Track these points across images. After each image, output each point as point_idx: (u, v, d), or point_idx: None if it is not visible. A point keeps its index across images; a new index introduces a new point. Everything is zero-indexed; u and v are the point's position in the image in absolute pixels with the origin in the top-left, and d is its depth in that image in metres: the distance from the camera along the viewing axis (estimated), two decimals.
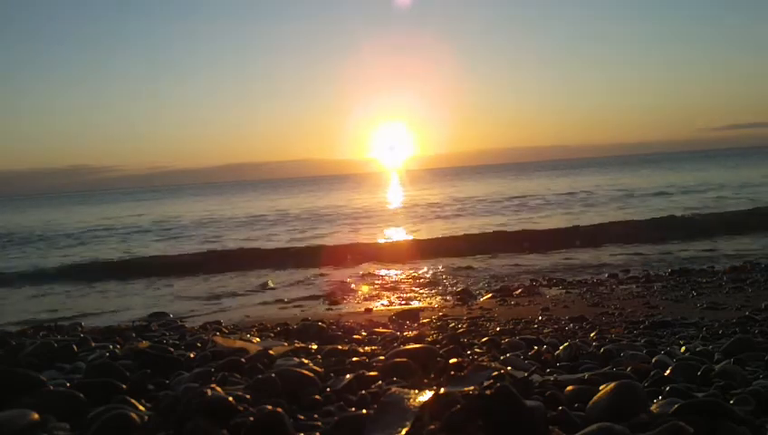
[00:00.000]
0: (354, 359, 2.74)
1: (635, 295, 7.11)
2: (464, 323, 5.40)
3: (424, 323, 5.58)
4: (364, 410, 1.80)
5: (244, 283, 10.68)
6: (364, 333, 4.35)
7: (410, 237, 17.38)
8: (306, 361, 2.65)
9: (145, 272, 12.12)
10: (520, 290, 8.08)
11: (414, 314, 5.93)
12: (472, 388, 1.70)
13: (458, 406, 1.62)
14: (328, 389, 2.18)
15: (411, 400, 1.74)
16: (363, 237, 17.40)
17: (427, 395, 1.74)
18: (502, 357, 2.86)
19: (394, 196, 42.11)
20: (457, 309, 6.90)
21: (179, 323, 6.15)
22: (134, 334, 4.58)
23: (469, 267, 10.93)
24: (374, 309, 7.28)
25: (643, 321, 5.08)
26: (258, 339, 3.75)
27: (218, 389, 1.86)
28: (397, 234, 19.00)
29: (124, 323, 6.45)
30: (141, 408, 1.90)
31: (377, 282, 9.98)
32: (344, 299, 8.41)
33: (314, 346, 3.31)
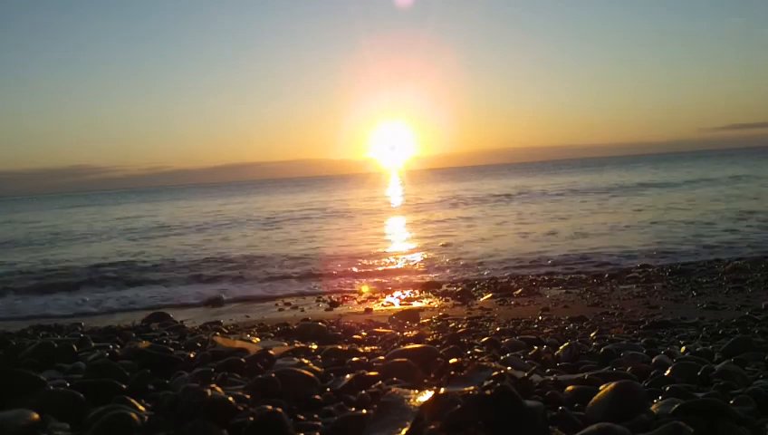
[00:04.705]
0: (354, 359, 2.74)
1: (635, 295, 7.11)
2: (464, 323, 5.40)
3: (424, 323, 5.58)
4: (364, 410, 1.80)
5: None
6: (364, 333, 4.35)
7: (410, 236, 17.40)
8: (306, 361, 2.64)
9: None
10: (520, 290, 8.08)
11: (414, 314, 5.93)
12: (472, 388, 1.70)
13: (458, 406, 1.62)
14: (328, 389, 2.18)
15: (411, 400, 1.74)
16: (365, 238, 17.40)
17: (427, 395, 1.74)
18: (502, 357, 2.86)
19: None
20: (457, 309, 6.90)
21: (179, 323, 6.15)
22: (134, 334, 4.58)
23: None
24: (374, 309, 7.29)
25: (643, 321, 5.09)
26: (258, 339, 3.75)
27: (218, 389, 1.86)
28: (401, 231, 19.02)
29: (124, 323, 6.45)
30: (141, 408, 1.90)
31: (377, 282, 9.98)
32: (344, 299, 8.41)
33: (314, 346, 3.31)
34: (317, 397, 2.07)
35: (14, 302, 10.20)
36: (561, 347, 3.23)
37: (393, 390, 1.84)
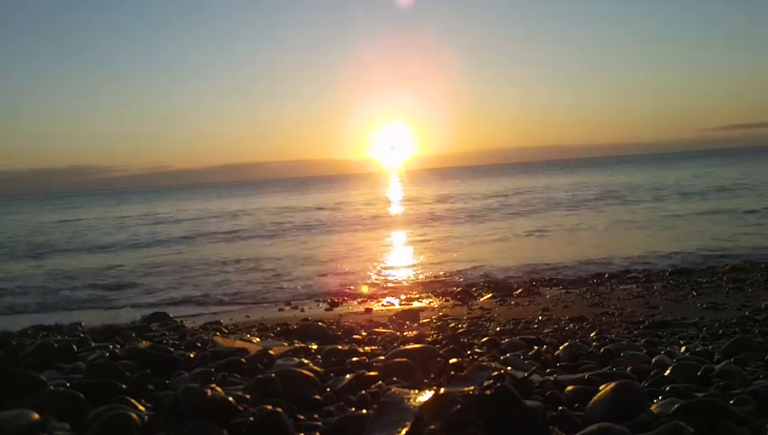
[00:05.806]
0: (354, 359, 2.74)
1: (635, 295, 7.11)
2: (464, 323, 5.40)
3: (424, 323, 5.58)
4: (364, 410, 1.80)
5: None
6: (364, 333, 4.35)
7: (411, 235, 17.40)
8: (306, 361, 2.64)
9: None
10: (520, 290, 8.08)
11: (414, 314, 5.93)
12: (472, 388, 1.70)
13: (458, 406, 1.62)
14: (328, 389, 2.18)
15: (411, 400, 1.74)
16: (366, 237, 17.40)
17: (427, 395, 1.74)
18: (502, 357, 2.86)
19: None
20: (457, 309, 6.90)
21: (179, 323, 6.15)
22: (134, 334, 4.58)
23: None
24: (374, 309, 7.28)
25: (643, 321, 5.08)
26: (258, 339, 3.75)
27: (218, 389, 1.86)
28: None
29: (124, 323, 6.45)
30: (141, 408, 1.90)
31: (377, 282, 9.98)
32: (344, 299, 8.41)
33: (314, 346, 3.31)
34: (317, 397, 2.07)
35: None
36: (561, 347, 3.23)
37: (393, 390, 1.84)
